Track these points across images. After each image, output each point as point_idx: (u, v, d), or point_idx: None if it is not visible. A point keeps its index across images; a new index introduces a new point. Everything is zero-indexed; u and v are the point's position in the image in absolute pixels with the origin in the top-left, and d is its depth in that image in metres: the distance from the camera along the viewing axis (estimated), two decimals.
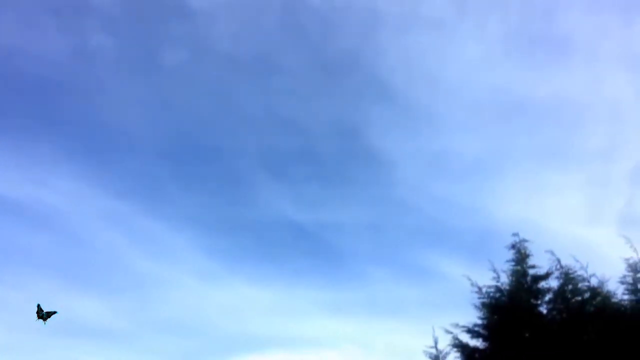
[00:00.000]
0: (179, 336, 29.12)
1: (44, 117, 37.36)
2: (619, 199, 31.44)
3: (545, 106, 36.41)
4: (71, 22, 37.77)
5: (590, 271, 12.04)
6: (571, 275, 12.14)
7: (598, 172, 33.86)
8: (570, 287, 12.10)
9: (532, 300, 12.28)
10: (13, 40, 36.12)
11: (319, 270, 34.79)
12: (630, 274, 11.76)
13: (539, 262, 12.53)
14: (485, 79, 38.24)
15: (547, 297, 12.28)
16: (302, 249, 36.08)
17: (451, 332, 12.58)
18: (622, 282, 11.80)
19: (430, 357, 12.84)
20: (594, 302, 11.81)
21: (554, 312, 12.10)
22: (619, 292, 11.77)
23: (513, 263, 12.71)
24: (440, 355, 12.80)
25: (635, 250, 11.83)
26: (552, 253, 12.41)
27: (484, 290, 12.73)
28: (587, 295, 11.94)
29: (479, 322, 12.50)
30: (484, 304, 12.59)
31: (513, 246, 12.82)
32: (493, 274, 12.74)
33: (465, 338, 12.53)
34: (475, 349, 12.37)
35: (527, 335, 11.82)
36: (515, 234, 12.88)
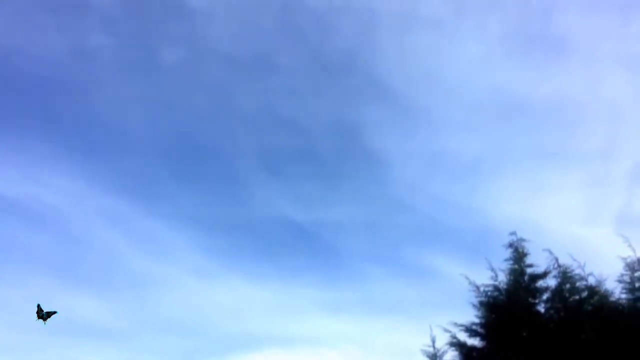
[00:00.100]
0: (177, 335, 29.11)
1: (42, 116, 37.30)
2: (618, 199, 31.44)
3: (544, 106, 36.44)
4: (70, 22, 37.71)
5: (588, 270, 12.06)
6: (569, 274, 12.14)
7: (596, 171, 33.90)
8: (568, 286, 12.10)
9: (530, 299, 12.29)
10: (12, 39, 36.07)
11: (318, 269, 34.81)
12: (628, 273, 11.76)
13: (537, 261, 12.55)
14: (484, 79, 38.26)
15: (545, 296, 12.28)
16: (300, 248, 36.08)
17: (449, 331, 12.61)
18: (619, 281, 11.81)
19: (428, 356, 12.87)
20: (592, 301, 11.81)
21: (552, 311, 12.10)
22: (617, 291, 11.80)
23: (511, 262, 12.72)
24: (438, 354, 12.83)
25: (633, 249, 11.85)
26: (550, 252, 12.42)
27: (481, 289, 12.75)
28: (584, 294, 11.93)
29: (477, 320, 12.52)
30: (481, 303, 12.60)
31: (511, 245, 12.82)
32: (491, 273, 12.77)
33: (463, 337, 12.57)
34: (473, 348, 12.37)
35: (524, 334, 11.82)
36: (513, 233, 12.90)
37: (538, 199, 33.26)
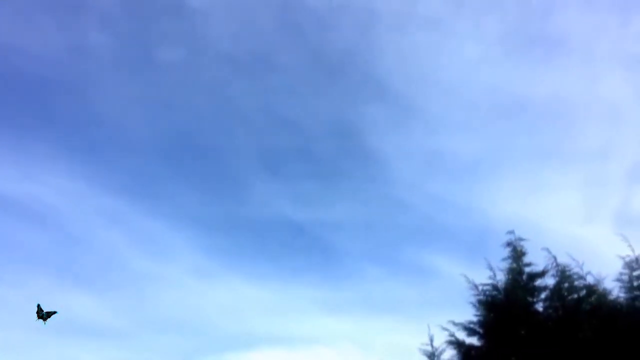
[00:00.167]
0: (177, 335, 29.11)
1: (41, 115, 37.33)
2: (616, 198, 31.46)
3: (542, 105, 36.46)
4: (68, 20, 37.72)
5: (586, 269, 12.07)
6: (567, 273, 12.14)
7: (595, 171, 33.93)
8: (566, 285, 12.10)
9: (528, 298, 12.29)
10: (11, 38, 36.06)
11: (317, 269, 34.83)
12: (627, 272, 11.76)
13: (535, 260, 12.56)
14: (483, 79, 38.29)
15: (543, 294, 12.29)
16: (299, 248, 36.08)
17: (447, 330, 12.61)
18: (618, 280, 11.80)
19: (426, 355, 12.87)
20: (590, 300, 11.82)
21: (550, 310, 12.11)
22: (615, 290, 11.80)
23: (509, 261, 12.72)
24: (436, 353, 12.83)
25: (631, 248, 11.85)
26: (549, 251, 12.43)
27: (480, 287, 12.77)
28: (583, 293, 11.94)
29: (475, 319, 12.54)
30: (480, 302, 12.61)
31: (509, 244, 12.83)
32: (489, 272, 12.77)
33: (462, 335, 12.58)
34: (471, 347, 12.38)
35: (523, 332, 11.82)
36: (511, 232, 12.90)
37: (537, 198, 33.29)
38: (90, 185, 36.47)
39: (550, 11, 36.29)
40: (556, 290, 12.12)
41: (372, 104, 40.62)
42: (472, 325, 12.48)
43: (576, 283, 12.04)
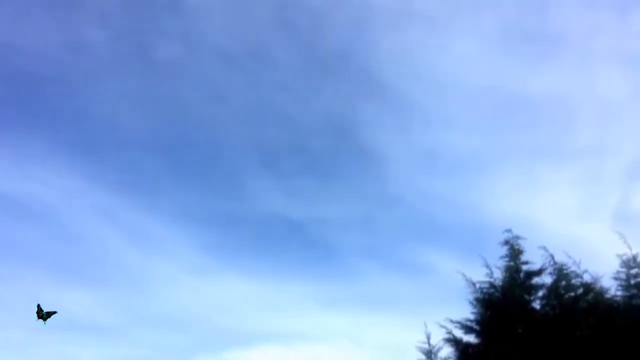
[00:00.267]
0: (171, 330, 29.07)
1: (37, 112, 37.16)
2: (613, 196, 31.56)
3: (539, 102, 36.50)
4: (65, 17, 37.50)
5: (583, 267, 12.09)
6: (564, 272, 12.15)
7: (591, 168, 34.01)
8: (563, 283, 12.11)
9: (526, 296, 12.29)
10: (6, 34, 35.79)
11: (312, 265, 34.86)
12: (624, 270, 11.78)
13: (533, 259, 12.58)
14: (479, 75, 38.27)
15: (540, 293, 12.30)
16: (294, 244, 36.11)
17: (445, 327, 12.60)
18: (615, 278, 11.84)
19: (423, 352, 12.87)
20: (587, 298, 11.83)
21: (547, 308, 12.11)
22: (612, 289, 11.83)
23: (506, 259, 12.73)
24: (433, 350, 12.82)
25: (629, 246, 11.87)
26: (546, 249, 12.44)
27: (477, 285, 12.77)
28: (580, 291, 11.96)
29: (473, 317, 12.53)
30: (477, 300, 12.60)
31: (506, 242, 12.83)
32: (486, 270, 12.77)
33: (459, 333, 12.57)
34: (468, 344, 12.37)
35: (520, 330, 11.82)
36: (508, 230, 12.91)
37: (534, 195, 33.39)
38: (85, 181, 36.38)
39: (547, 8, 36.30)
40: (553, 289, 12.12)
41: (367, 100, 40.63)
42: (469, 323, 12.48)
43: (573, 281, 12.06)
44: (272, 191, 39.50)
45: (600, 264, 12.18)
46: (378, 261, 33.97)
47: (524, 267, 12.54)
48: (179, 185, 38.97)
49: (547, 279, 12.30)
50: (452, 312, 12.76)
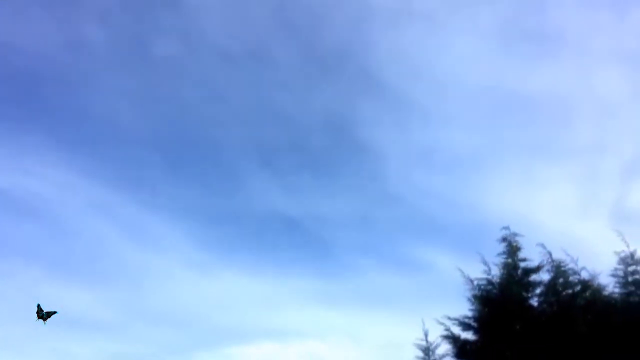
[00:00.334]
0: (170, 327, 29.04)
1: (34, 108, 36.99)
2: (611, 193, 31.59)
3: (537, 101, 36.45)
4: (64, 15, 37.43)
5: (581, 265, 12.10)
6: (562, 269, 12.17)
7: (590, 166, 33.98)
8: (561, 280, 12.13)
9: (523, 293, 12.30)
10: (6, 33, 35.70)
11: (309, 262, 34.72)
12: (622, 267, 11.81)
13: (530, 256, 12.58)
14: (477, 74, 38.18)
15: (538, 290, 12.31)
16: (292, 241, 36.03)
17: (442, 324, 12.61)
18: (613, 276, 11.87)
19: (421, 349, 12.89)
20: (585, 295, 11.85)
21: (545, 305, 12.13)
22: (610, 286, 11.85)
23: (504, 256, 12.73)
24: (431, 347, 12.84)
25: (626, 243, 11.88)
26: (543, 246, 12.44)
27: (475, 282, 12.76)
28: (577, 288, 11.98)
29: (470, 314, 12.54)
30: (475, 297, 12.60)
31: (504, 239, 12.82)
32: (484, 267, 12.77)
33: (457, 330, 12.58)
34: (466, 341, 12.38)
35: (517, 327, 11.84)
36: (506, 227, 12.90)
37: (532, 193, 33.39)
38: (83, 177, 36.30)
39: (545, 6, 36.27)
40: (551, 286, 12.14)
41: (366, 98, 40.56)
42: (467, 320, 12.49)
43: (571, 278, 12.08)
44: (271, 189, 39.45)
45: (598, 262, 12.22)
46: (376, 258, 33.92)
47: (522, 264, 12.55)
48: (178, 182, 38.91)
49: (544, 276, 12.34)
50: (450, 309, 12.77)
